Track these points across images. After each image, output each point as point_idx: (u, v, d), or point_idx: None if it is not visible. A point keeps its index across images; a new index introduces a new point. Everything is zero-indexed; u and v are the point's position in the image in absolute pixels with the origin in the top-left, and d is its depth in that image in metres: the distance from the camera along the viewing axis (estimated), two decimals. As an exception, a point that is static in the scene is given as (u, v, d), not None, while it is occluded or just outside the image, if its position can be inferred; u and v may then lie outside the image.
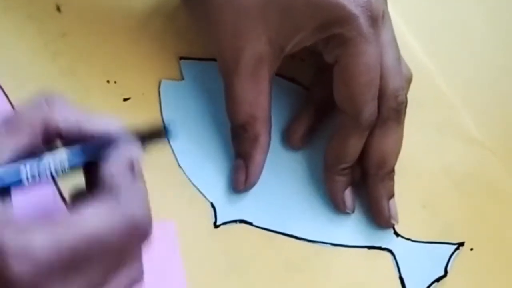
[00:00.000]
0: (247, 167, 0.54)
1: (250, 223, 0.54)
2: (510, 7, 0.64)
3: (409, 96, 0.55)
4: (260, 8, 0.51)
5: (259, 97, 0.53)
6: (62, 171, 0.41)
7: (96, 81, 0.56)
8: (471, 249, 0.55)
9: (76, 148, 0.42)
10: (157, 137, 0.46)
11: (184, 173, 0.55)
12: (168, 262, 0.51)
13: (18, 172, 0.40)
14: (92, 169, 0.43)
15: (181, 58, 0.58)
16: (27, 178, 0.40)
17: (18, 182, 0.40)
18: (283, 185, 0.56)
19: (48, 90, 0.43)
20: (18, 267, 0.37)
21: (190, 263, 0.52)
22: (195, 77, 0.57)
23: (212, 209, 0.54)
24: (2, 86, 0.55)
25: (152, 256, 0.50)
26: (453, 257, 0.55)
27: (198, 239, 0.53)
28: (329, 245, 0.54)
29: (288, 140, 0.56)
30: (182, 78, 0.57)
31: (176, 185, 0.54)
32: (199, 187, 0.55)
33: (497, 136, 0.59)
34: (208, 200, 0.54)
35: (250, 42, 0.52)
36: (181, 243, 0.53)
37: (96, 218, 0.39)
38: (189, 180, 0.55)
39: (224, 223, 0.54)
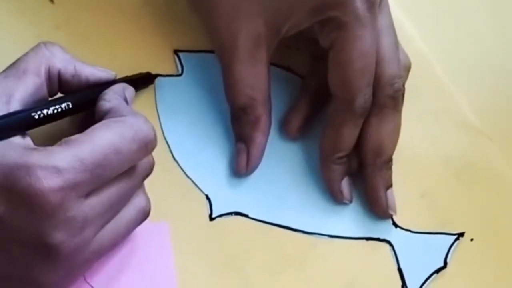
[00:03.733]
0: (248, 150, 0.54)
1: (246, 215, 0.54)
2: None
3: (407, 84, 0.55)
4: None
5: (258, 78, 0.53)
6: (66, 108, 0.47)
7: (90, 73, 0.56)
8: (471, 240, 0.55)
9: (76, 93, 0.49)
10: (143, 82, 0.55)
11: (179, 166, 0.54)
12: (160, 264, 0.50)
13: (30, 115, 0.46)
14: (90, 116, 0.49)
15: (175, 50, 0.57)
16: (39, 117, 0.46)
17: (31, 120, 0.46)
18: (279, 176, 0.55)
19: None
20: (46, 181, 0.41)
21: (185, 256, 0.52)
22: (190, 69, 0.57)
23: (207, 202, 0.54)
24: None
25: (144, 257, 0.51)
26: (452, 248, 0.54)
27: (193, 231, 0.53)
28: (326, 237, 0.54)
29: (284, 130, 0.56)
30: (177, 71, 0.57)
31: (171, 178, 0.54)
32: (194, 180, 0.54)
33: (497, 124, 0.59)
34: (203, 193, 0.54)
35: (247, 24, 0.51)
36: (176, 236, 0.52)
37: (107, 131, 0.44)
38: (184, 172, 0.54)
39: (220, 216, 0.53)
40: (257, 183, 0.55)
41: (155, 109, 0.56)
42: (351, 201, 0.55)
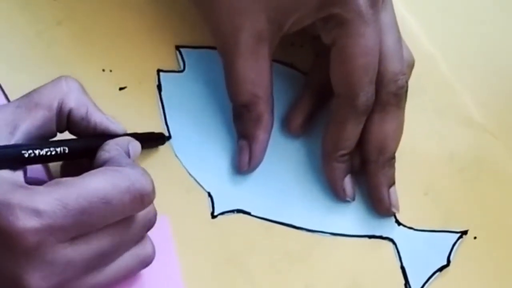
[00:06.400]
0: (250, 148, 0.54)
1: (248, 213, 0.54)
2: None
3: (410, 81, 0.54)
4: None
5: (260, 75, 0.53)
6: (61, 152, 0.46)
7: (92, 70, 0.56)
8: (475, 238, 0.55)
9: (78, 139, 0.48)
10: (152, 141, 0.53)
11: (181, 163, 0.54)
12: (163, 257, 0.50)
13: (20, 152, 0.44)
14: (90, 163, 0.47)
15: (177, 46, 0.57)
16: (29, 156, 0.44)
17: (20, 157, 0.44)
18: (281, 173, 0.55)
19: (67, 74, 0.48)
20: (24, 221, 0.40)
21: (188, 254, 0.52)
22: (192, 66, 0.57)
23: (209, 199, 0.53)
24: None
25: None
26: (456, 246, 0.54)
27: (195, 229, 0.53)
28: (329, 235, 0.54)
29: (287, 127, 0.56)
30: (179, 66, 0.57)
31: (173, 175, 0.54)
32: (196, 177, 0.54)
33: (501, 121, 0.58)
34: (205, 190, 0.54)
35: (249, 20, 0.51)
36: (178, 234, 0.52)
37: (100, 179, 0.43)
38: (186, 170, 0.54)
39: (222, 213, 0.53)
40: (260, 181, 0.54)
41: (157, 105, 0.55)
42: (353, 199, 0.54)
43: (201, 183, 0.54)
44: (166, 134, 0.54)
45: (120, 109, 0.54)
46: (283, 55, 0.57)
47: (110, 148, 0.47)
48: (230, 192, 0.54)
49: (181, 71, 0.57)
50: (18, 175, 0.44)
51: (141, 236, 0.47)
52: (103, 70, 0.56)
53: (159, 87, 0.56)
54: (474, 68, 0.60)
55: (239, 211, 0.53)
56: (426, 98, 0.58)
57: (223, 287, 0.52)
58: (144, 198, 0.44)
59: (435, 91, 0.59)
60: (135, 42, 0.57)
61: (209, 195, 0.53)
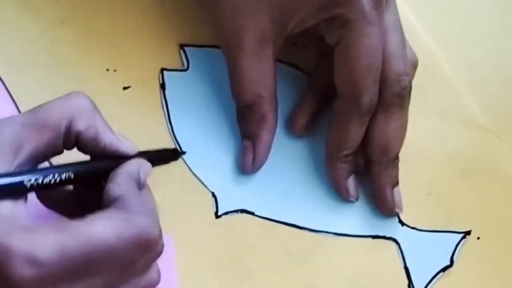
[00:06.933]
0: (254, 148, 0.54)
1: (252, 213, 0.54)
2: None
3: (413, 81, 0.54)
4: None
5: (264, 76, 0.53)
6: (66, 179, 0.43)
7: (95, 69, 0.56)
8: (478, 238, 0.55)
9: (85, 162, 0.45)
10: (165, 158, 0.51)
11: (185, 163, 0.54)
12: (164, 277, 0.47)
13: (22, 182, 0.41)
14: (98, 188, 0.45)
15: (181, 45, 0.57)
16: (31, 186, 0.41)
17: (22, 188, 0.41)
18: (285, 173, 0.55)
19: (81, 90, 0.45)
20: (21, 270, 0.38)
21: (191, 254, 0.52)
22: (196, 65, 0.57)
23: (213, 199, 0.53)
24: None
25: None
26: (459, 246, 0.54)
27: (199, 229, 0.53)
28: (332, 235, 0.54)
29: (291, 128, 0.56)
30: (183, 65, 0.57)
31: (177, 175, 0.54)
32: (200, 177, 0.54)
33: (503, 121, 0.58)
34: (209, 190, 0.54)
35: (253, 20, 0.51)
36: (181, 234, 0.52)
37: (104, 226, 0.40)
38: (190, 170, 0.54)
39: (226, 213, 0.53)
40: (263, 181, 0.54)
41: (161, 104, 0.55)
42: (357, 199, 0.54)
43: (205, 183, 0.54)
44: (172, 137, 0.54)
45: (124, 109, 0.54)
46: (287, 55, 0.57)
47: (121, 181, 0.44)
48: (234, 192, 0.54)
49: (185, 70, 0.57)
50: (19, 204, 0.41)
51: (146, 267, 0.44)
52: (107, 70, 0.56)
53: (163, 86, 0.56)
54: (476, 68, 0.60)
55: (243, 211, 0.53)
56: (428, 99, 0.58)
57: (226, 286, 0.52)
58: (152, 247, 0.42)
59: (437, 92, 0.59)
60: (139, 41, 0.57)
61: (213, 195, 0.54)
